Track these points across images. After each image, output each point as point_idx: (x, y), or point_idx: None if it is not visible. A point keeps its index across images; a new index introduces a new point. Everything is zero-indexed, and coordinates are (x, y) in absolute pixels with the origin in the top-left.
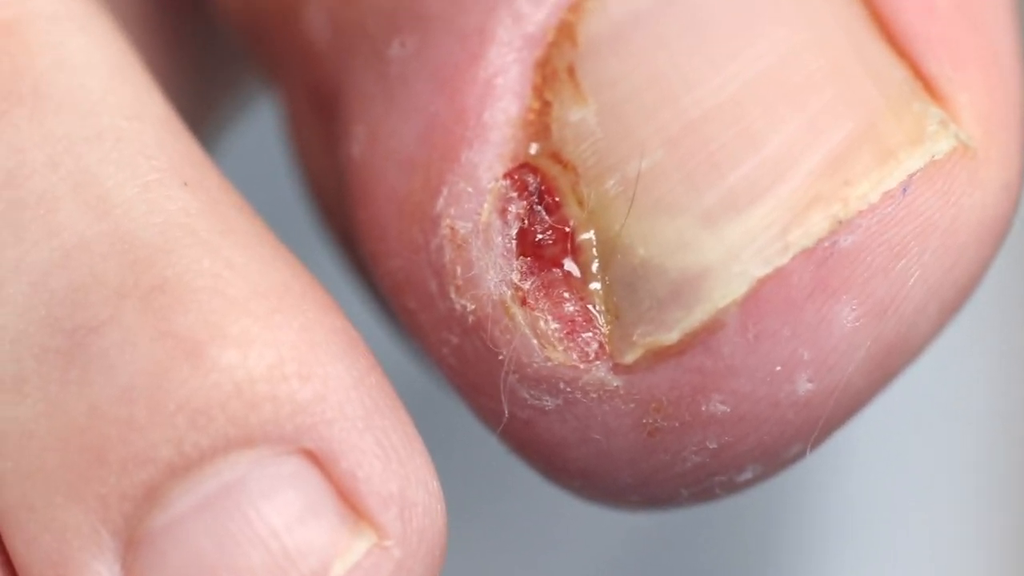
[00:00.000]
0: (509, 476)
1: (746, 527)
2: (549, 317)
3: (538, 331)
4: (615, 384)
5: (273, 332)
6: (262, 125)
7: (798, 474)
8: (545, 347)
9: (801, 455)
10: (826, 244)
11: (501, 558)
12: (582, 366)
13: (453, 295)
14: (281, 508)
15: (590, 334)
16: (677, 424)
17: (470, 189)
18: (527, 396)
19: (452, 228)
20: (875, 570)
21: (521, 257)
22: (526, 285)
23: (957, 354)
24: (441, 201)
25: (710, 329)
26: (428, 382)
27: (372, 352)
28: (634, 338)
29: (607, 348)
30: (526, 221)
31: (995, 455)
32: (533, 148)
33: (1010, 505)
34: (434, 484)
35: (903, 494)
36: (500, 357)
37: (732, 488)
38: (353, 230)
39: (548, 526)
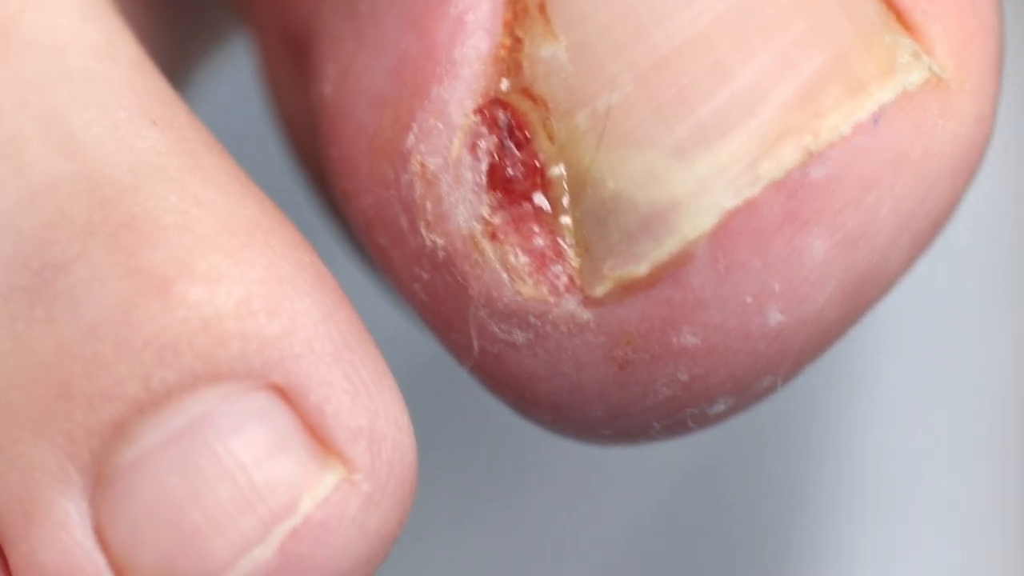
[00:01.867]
0: (514, 460)
1: (748, 526)
2: (519, 251)
3: (508, 265)
4: (585, 317)
5: (241, 268)
6: (236, 66)
7: (802, 471)
8: (515, 281)
9: (773, 388)
10: (797, 176)
11: (506, 546)
12: (552, 300)
13: (423, 231)
14: (249, 443)
15: (560, 268)
16: (648, 357)
17: (440, 125)
18: (497, 331)
19: (422, 164)
20: (880, 571)
21: (491, 192)
22: (496, 220)
23: (965, 347)
24: (411, 137)
25: (680, 261)
26: (397, 312)
27: (342, 288)
28: (604, 271)
29: (577, 282)
30: (496, 156)
31: (1004, 451)
32: (504, 84)
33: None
34: (404, 419)
35: (912, 491)
36: (470, 292)
37: (705, 421)
38: (325, 169)
39: (552, 517)
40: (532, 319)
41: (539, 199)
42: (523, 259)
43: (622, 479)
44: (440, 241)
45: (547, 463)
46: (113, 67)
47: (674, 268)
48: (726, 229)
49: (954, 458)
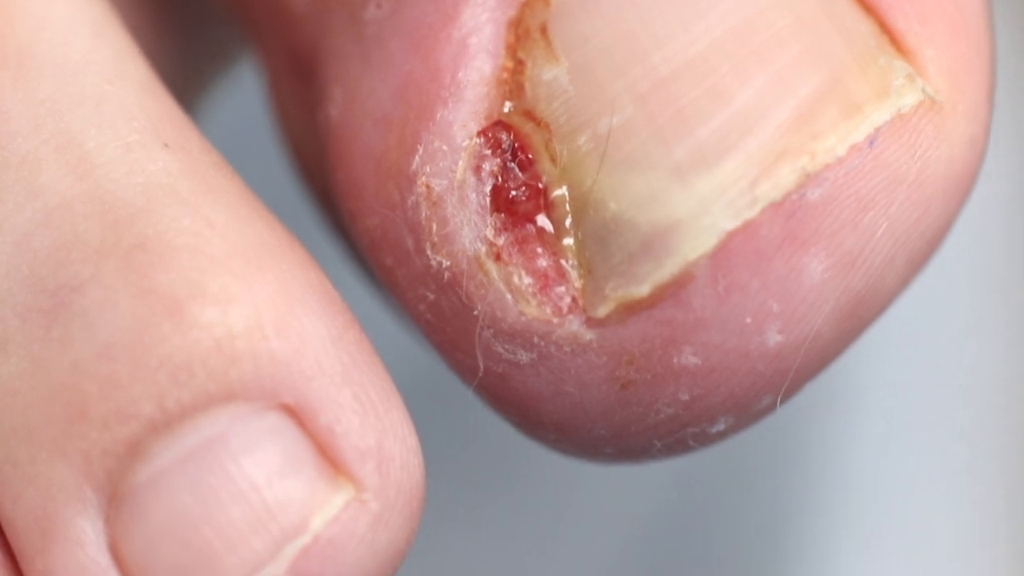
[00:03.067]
0: (514, 470)
1: (742, 524)
2: (523, 272)
3: (512, 286)
4: (588, 337)
5: (252, 289)
6: (244, 88)
7: (803, 471)
8: (519, 302)
9: (772, 407)
10: (794, 197)
11: (505, 552)
12: (555, 320)
13: (429, 251)
14: (261, 462)
15: (563, 288)
16: (649, 376)
17: (445, 147)
18: (502, 350)
19: (427, 185)
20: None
21: (495, 213)
22: (500, 241)
23: (962, 349)
24: (417, 159)
25: (680, 282)
26: (403, 333)
27: (352, 310)
28: (606, 292)
29: (580, 302)
30: (500, 178)
31: (1000, 453)
32: (507, 106)
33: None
34: (412, 439)
35: (908, 493)
36: (475, 312)
37: (705, 440)
38: (332, 190)
39: (550, 523)
40: (536, 339)
41: (542, 220)
42: (527, 280)
43: (619, 482)
44: (445, 262)
45: (543, 466)
46: (125, 89)
47: (675, 289)
48: (725, 250)
49: (948, 463)
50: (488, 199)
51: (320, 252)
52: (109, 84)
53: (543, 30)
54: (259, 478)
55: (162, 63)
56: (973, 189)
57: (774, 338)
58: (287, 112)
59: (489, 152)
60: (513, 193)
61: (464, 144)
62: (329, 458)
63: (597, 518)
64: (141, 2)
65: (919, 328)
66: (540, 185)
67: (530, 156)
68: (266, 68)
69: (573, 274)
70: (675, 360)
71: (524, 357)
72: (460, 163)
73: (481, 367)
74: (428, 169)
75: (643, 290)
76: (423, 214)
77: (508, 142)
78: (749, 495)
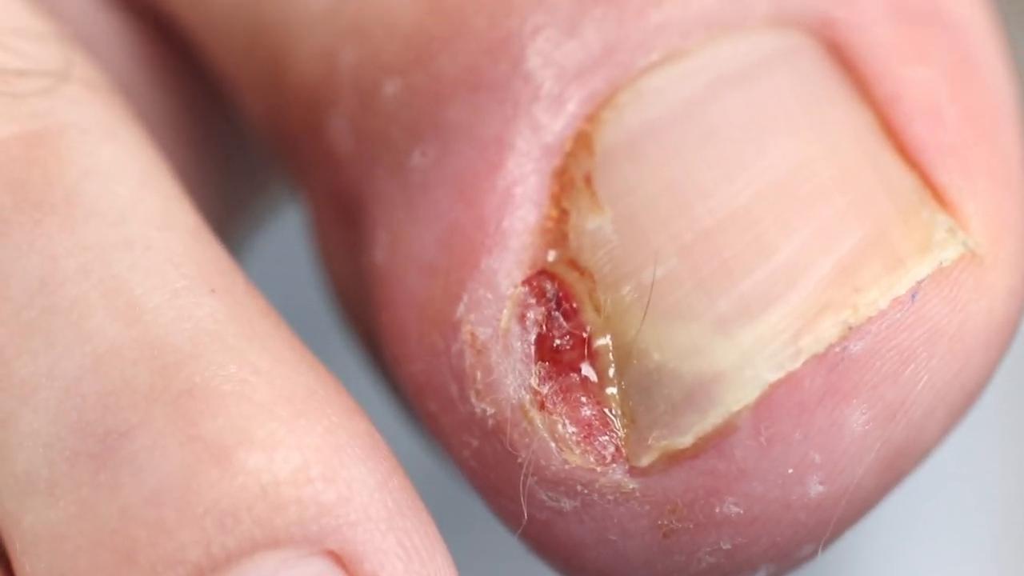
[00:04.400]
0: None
1: None
2: (567, 421)
3: (556, 435)
4: (631, 486)
5: (298, 436)
6: (289, 229)
7: None
8: (563, 450)
9: (813, 555)
10: (837, 349)
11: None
12: (599, 469)
13: (473, 399)
14: None
15: (607, 437)
16: (692, 526)
17: (490, 295)
18: (545, 498)
19: (472, 333)
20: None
21: (539, 362)
22: (544, 389)
23: None
24: (461, 307)
25: (723, 433)
26: (448, 478)
27: (394, 454)
28: (649, 441)
29: (623, 451)
30: (544, 327)
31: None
32: (551, 255)
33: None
34: None
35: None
36: (519, 460)
37: None
38: (376, 333)
39: None
40: (579, 487)
41: (586, 369)
42: (571, 429)
43: None
44: (490, 410)
45: None
46: (172, 235)
47: (718, 439)
48: (768, 402)
49: (964, 462)
50: (532, 348)
51: (363, 394)
52: (157, 230)
53: (587, 180)
54: None
55: (208, 205)
56: (1012, 341)
57: (816, 489)
58: (332, 254)
59: (534, 301)
60: (557, 342)
61: (509, 293)
62: None
63: None
64: (188, 145)
65: None
66: (584, 334)
67: (574, 305)
68: (311, 210)
69: (617, 423)
70: (717, 510)
71: (567, 505)
72: (505, 312)
73: (525, 514)
74: (473, 317)
75: (687, 440)
76: (467, 362)
77: (552, 291)
78: None
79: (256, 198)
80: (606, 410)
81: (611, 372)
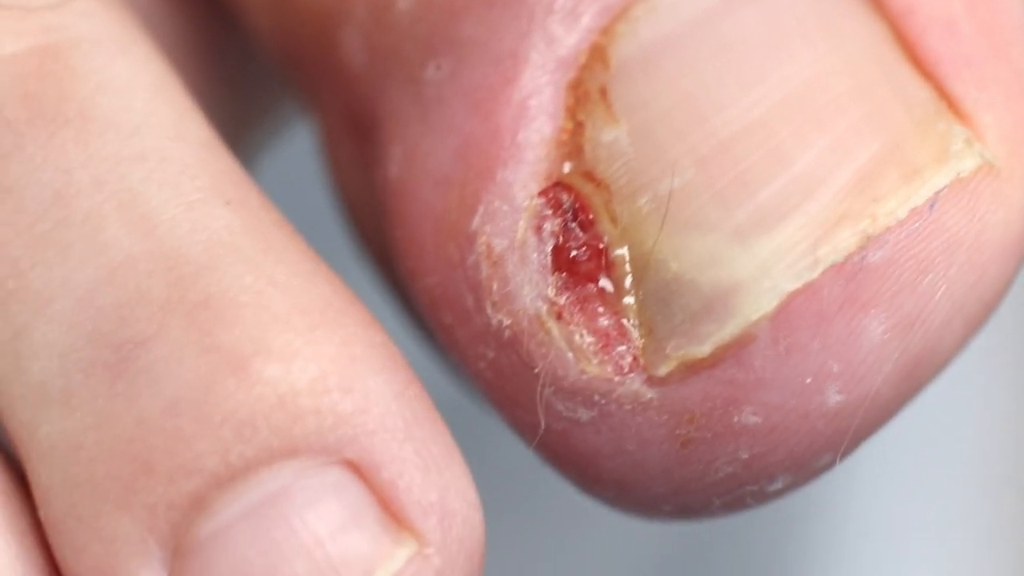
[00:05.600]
0: (540, 489)
1: (759, 533)
2: (584, 331)
3: (573, 345)
4: (649, 396)
5: (315, 346)
6: (300, 145)
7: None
8: (580, 360)
9: (831, 464)
10: (855, 259)
11: (532, 566)
12: (616, 379)
13: (489, 310)
14: (324, 517)
15: (624, 347)
16: (709, 435)
17: (505, 207)
18: (562, 408)
19: (488, 245)
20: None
21: (556, 273)
22: (561, 300)
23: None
24: (477, 219)
25: (741, 342)
26: (462, 396)
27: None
28: (667, 351)
29: (641, 361)
30: (561, 238)
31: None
32: (567, 167)
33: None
34: (472, 494)
35: (912, 497)
36: (536, 370)
37: (763, 498)
38: (390, 248)
39: (577, 536)
40: (597, 397)
41: (603, 280)
42: (588, 339)
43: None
44: (506, 320)
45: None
46: (186, 147)
47: (736, 349)
48: (786, 311)
49: (960, 459)
50: (549, 259)
51: (376, 308)
52: (170, 142)
53: (603, 92)
54: (322, 532)
55: (220, 120)
56: None
57: (834, 398)
58: (344, 170)
59: (550, 212)
60: (574, 253)
61: (524, 204)
62: (392, 513)
63: (605, 547)
64: (198, 60)
65: None
66: (601, 245)
67: (590, 217)
68: (323, 126)
69: (634, 333)
70: (735, 419)
71: (584, 415)
72: (521, 223)
73: (542, 425)
74: (488, 229)
75: (704, 350)
76: (483, 273)
77: (568, 202)
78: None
79: (267, 115)
80: (623, 320)
81: (628, 282)
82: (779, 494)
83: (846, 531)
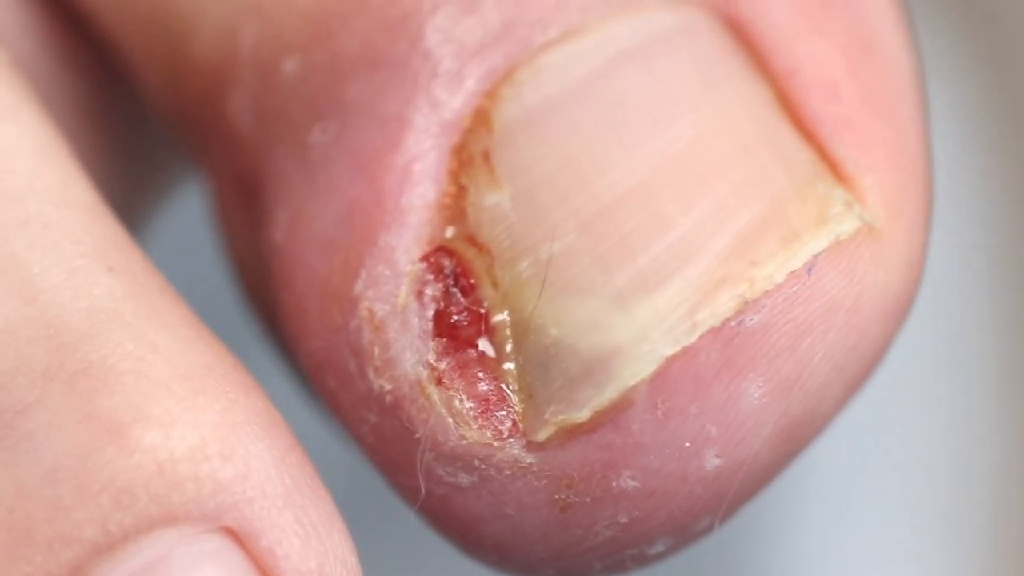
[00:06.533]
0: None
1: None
2: (464, 396)
3: (453, 410)
4: (528, 461)
5: (195, 413)
6: (190, 208)
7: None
8: (460, 425)
9: (710, 528)
10: (733, 323)
11: None
12: (496, 444)
13: (371, 375)
14: None
15: (504, 413)
16: (589, 499)
17: (388, 272)
18: (443, 473)
19: (370, 310)
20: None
21: (437, 338)
22: (442, 365)
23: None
24: (360, 283)
25: (620, 407)
26: (348, 455)
27: (294, 432)
28: (546, 416)
29: (520, 426)
30: (442, 303)
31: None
32: (449, 232)
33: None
34: (352, 560)
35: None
36: (417, 435)
37: (643, 560)
38: (276, 312)
39: None
40: (477, 462)
41: (484, 345)
42: (468, 404)
43: None
44: (388, 386)
45: None
46: (70, 213)
47: (614, 414)
48: (665, 376)
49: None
50: (430, 324)
51: (264, 372)
52: (54, 208)
53: (486, 156)
54: None
55: (108, 183)
56: (909, 314)
57: (712, 462)
58: (233, 232)
59: (431, 277)
60: (455, 318)
61: (407, 269)
62: None
63: None
64: (87, 123)
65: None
66: (482, 310)
67: (472, 281)
68: (213, 189)
69: (514, 398)
70: (614, 483)
71: (465, 480)
72: (402, 288)
73: (423, 489)
74: (371, 294)
75: (583, 415)
76: (366, 338)
77: (450, 267)
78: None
79: (157, 178)
80: (503, 385)
81: (508, 348)
82: (659, 557)
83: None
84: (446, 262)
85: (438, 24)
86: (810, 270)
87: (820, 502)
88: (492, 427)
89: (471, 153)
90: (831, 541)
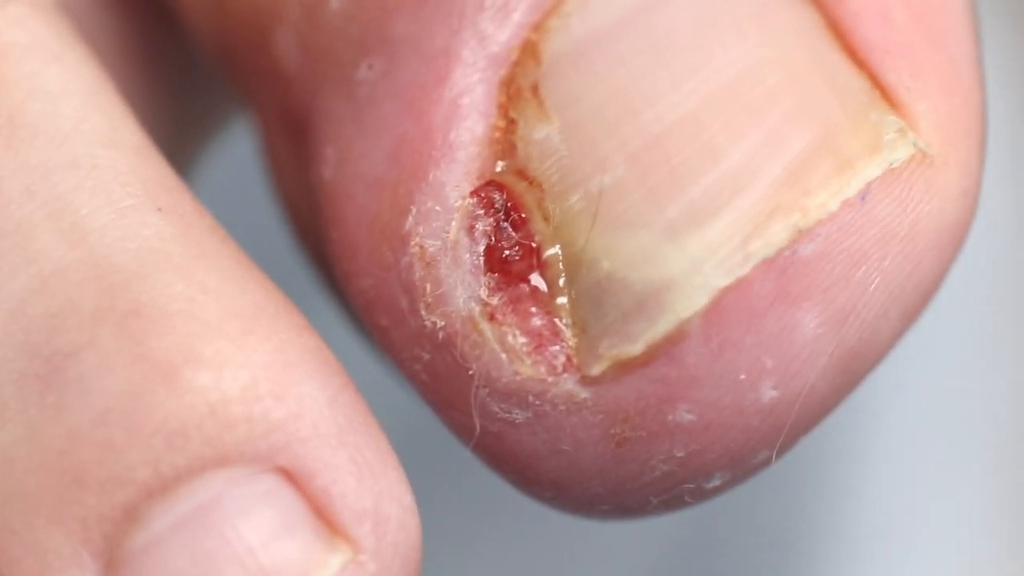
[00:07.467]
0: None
1: (761, 533)
2: (517, 332)
3: (506, 345)
4: (583, 396)
5: (247, 353)
6: (240, 147)
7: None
8: (513, 361)
9: (768, 461)
10: (787, 253)
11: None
12: (550, 379)
13: (423, 312)
14: (257, 525)
15: (557, 347)
16: (644, 434)
17: (438, 208)
18: (497, 410)
19: (421, 246)
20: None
21: (489, 273)
22: (494, 301)
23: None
24: (410, 220)
25: (674, 340)
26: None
27: (347, 370)
28: (600, 350)
29: (574, 361)
30: (493, 238)
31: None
32: (499, 166)
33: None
34: (408, 499)
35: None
36: (470, 372)
37: (701, 495)
38: (326, 250)
39: (573, 536)
40: (531, 398)
41: (536, 280)
42: (521, 339)
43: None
44: (440, 322)
45: (538, 520)
46: (118, 154)
47: (668, 347)
48: (718, 307)
49: (966, 460)
50: (482, 259)
51: (316, 311)
52: (102, 149)
53: (534, 89)
54: (255, 541)
55: (156, 125)
56: (965, 241)
57: (768, 394)
58: (282, 172)
59: (482, 212)
60: (506, 253)
61: (457, 204)
62: (325, 520)
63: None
64: (134, 64)
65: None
66: (533, 244)
67: (523, 215)
68: (261, 129)
69: (567, 333)
70: (670, 417)
71: (520, 416)
72: (453, 223)
73: (477, 426)
74: (421, 230)
75: (637, 348)
76: (417, 275)
77: (501, 202)
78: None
79: (205, 118)
80: (556, 320)
81: (561, 282)
82: (717, 491)
83: (856, 534)
84: (496, 196)
85: None
86: (864, 198)
87: (884, 438)
88: (546, 362)
89: (520, 86)
90: (900, 474)
